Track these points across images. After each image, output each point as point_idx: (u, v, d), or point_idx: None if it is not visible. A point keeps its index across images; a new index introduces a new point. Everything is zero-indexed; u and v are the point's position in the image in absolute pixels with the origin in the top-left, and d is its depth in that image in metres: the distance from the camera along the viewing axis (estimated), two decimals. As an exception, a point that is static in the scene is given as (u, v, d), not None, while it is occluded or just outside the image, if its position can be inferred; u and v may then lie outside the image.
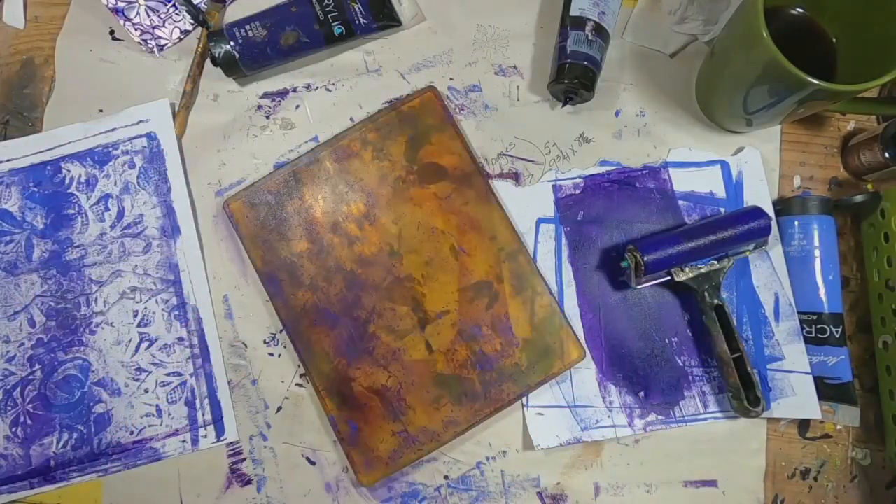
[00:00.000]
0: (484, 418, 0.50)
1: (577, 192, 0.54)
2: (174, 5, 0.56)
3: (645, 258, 0.49)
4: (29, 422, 0.51)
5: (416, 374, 0.51)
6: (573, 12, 0.51)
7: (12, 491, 0.51)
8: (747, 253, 0.51)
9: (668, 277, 0.51)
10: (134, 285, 0.53)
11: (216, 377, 0.52)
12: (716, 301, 0.50)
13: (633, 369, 0.52)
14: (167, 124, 0.54)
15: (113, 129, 0.54)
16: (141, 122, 0.54)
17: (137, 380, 0.52)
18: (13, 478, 0.51)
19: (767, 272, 0.53)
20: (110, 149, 0.54)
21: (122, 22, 0.55)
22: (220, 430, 0.51)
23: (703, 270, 0.50)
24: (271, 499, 0.51)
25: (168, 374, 0.52)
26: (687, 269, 0.50)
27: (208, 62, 0.54)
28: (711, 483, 0.51)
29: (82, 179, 0.54)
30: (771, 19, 0.41)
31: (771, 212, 0.53)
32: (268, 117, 0.55)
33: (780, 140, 0.55)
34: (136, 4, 0.55)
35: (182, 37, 0.56)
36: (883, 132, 0.51)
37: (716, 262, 0.50)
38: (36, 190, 0.54)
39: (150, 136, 0.54)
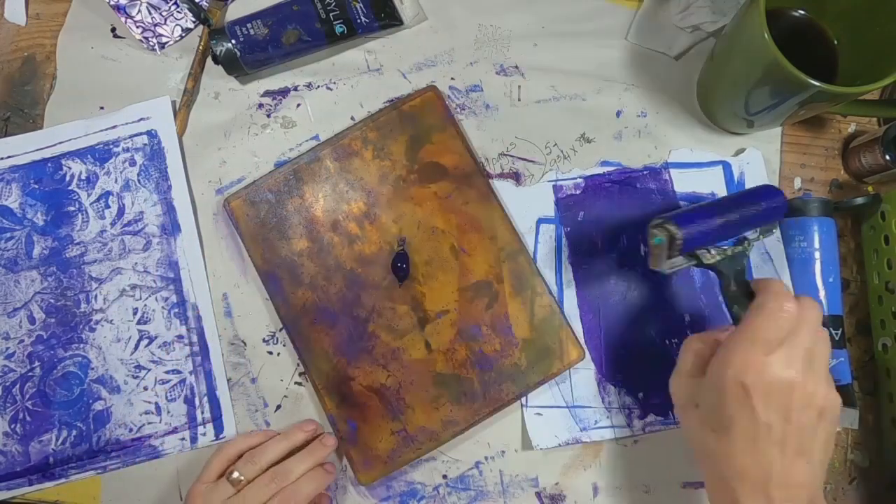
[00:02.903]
0: (483, 418, 0.50)
1: (578, 192, 0.54)
2: (176, 3, 0.56)
3: (683, 232, 0.41)
4: (28, 418, 0.51)
5: (416, 374, 0.51)
6: None
7: (11, 488, 0.51)
8: (761, 237, 0.47)
9: (695, 261, 0.45)
10: (134, 283, 0.53)
11: (215, 375, 0.52)
12: (748, 288, 0.43)
13: (632, 370, 0.52)
14: (168, 122, 0.54)
15: (114, 127, 0.54)
16: (142, 119, 0.54)
17: (137, 377, 0.52)
18: (12, 474, 0.51)
19: (768, 274, 0.52)
20: (111, 146, 0.54)
21: (123, 19, 0.55)
22: (218, 428, 0.51)
23: (728, 252, 0.44)
24: (270, 497, 0.51)
25: (167, 372, 0.52)
26: (713, 252, 0.44)
27: (209, 60, 0.54)
28: (710, 484, 0.51)
29: (83, 176, 0.54)
30: (772, 21, 0.41)
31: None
32: (269, 116, 0.55)
33: (781, 142, 0.55)
34: (138, 2, 0.55)
35: (183, 34, 0.56)
36: (884, 134, 0.51)
37: (738, 246, 0.45)
38: (36, 187, 0.54)
39: (151, 134, 0.54)
